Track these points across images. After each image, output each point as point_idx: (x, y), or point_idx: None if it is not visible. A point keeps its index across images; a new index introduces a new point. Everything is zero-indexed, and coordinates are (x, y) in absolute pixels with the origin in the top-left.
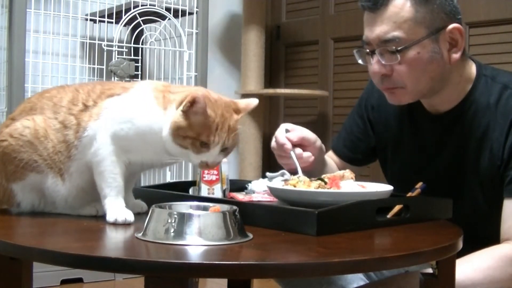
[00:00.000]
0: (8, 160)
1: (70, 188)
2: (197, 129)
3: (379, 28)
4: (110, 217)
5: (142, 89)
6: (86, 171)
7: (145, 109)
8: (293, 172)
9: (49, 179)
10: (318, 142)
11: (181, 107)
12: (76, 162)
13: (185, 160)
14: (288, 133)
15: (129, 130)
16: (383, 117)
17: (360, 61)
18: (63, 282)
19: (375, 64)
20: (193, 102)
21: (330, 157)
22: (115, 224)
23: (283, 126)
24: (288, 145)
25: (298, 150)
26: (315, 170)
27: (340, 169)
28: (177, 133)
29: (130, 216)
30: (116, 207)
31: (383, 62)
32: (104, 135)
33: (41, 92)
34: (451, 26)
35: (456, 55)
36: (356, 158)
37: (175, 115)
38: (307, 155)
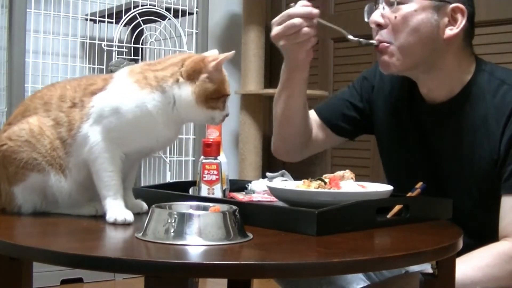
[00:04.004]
0: (9, 162)
1: (72, 184)
2: (221, 86)
3: None
4: (109, 217)
5: (119, 77)
6: (84, 167)
7: (129, 95)
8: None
9: (52, 177)
10: None
11: (205, 74)
12: (73, 158)
13: (204, 123)
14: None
15: (117, 121)
16: (381, 102)
17: (366, 19)
18: (63, 282)
19: (375, 13)
20: (216, 63)
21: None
22: (115, 224)
23: (292, 5)
24: (315, 10)
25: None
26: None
27: (314, 130)
28: (209, 97)
29: (129, 216)
30: (115, 207)
31: (381, 12)
32: (95, 132)
33: (33, 94)
34: (455, 4)
35: (451, 32)
36: (334, 123)
37: (198, 84)
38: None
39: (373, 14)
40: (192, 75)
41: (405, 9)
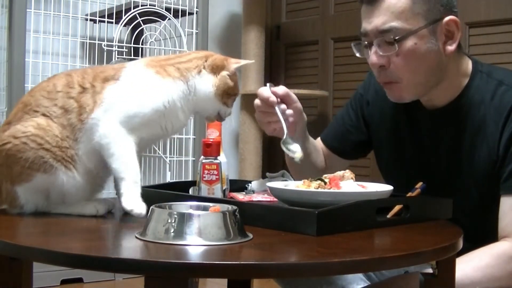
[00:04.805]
0: (14, 162)
1: (83, 173)
2: (236, 85)
3: (376, 19)
4: (126, 205)
5: (134, 68)
6: (94, 153)
7: (151, 84)
8: (277, 133)
9: (61, 175)
10: (299, 104)
11: (226, 72)
12: (83, 144)
13: (210, 116)
14: (272, 87)
15: (137, 108)
16: (378, 112)
17: (358, 55)
18: (63, 282)
19: (372, 55)
20: (238, 67)
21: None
22: (115, 223)
23: (268, 84)
24: (273, 98)
25: (283, 106)
26: (297, 136)
27: (325, 158)
28: (226, 92)
29: (144, 210)
30: (134, 196)
31: (380, 53)
32: (111, 118)
33: (29, 91)
34: (447, 18)
35: (451, 47)
36: (342, 150)
37: (219, 78)
38: (289, 112)
39: (371, 57)
40: (214, 70)
41: (405, 45)
